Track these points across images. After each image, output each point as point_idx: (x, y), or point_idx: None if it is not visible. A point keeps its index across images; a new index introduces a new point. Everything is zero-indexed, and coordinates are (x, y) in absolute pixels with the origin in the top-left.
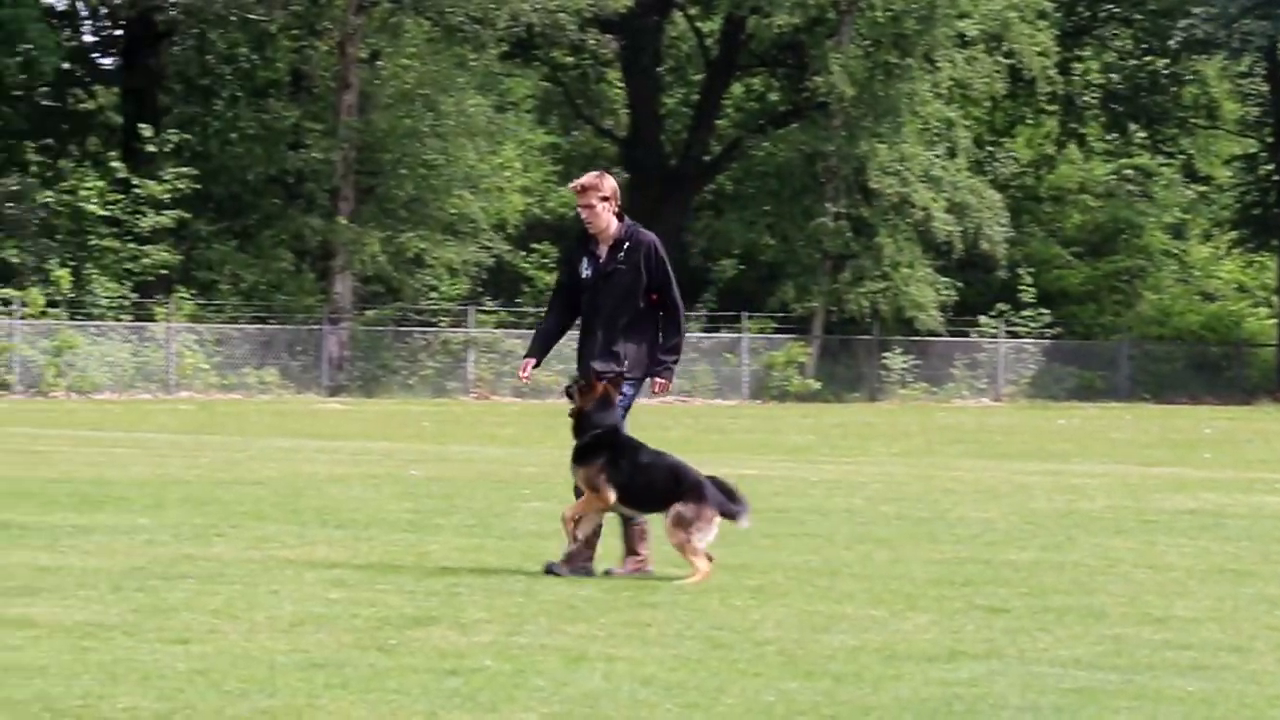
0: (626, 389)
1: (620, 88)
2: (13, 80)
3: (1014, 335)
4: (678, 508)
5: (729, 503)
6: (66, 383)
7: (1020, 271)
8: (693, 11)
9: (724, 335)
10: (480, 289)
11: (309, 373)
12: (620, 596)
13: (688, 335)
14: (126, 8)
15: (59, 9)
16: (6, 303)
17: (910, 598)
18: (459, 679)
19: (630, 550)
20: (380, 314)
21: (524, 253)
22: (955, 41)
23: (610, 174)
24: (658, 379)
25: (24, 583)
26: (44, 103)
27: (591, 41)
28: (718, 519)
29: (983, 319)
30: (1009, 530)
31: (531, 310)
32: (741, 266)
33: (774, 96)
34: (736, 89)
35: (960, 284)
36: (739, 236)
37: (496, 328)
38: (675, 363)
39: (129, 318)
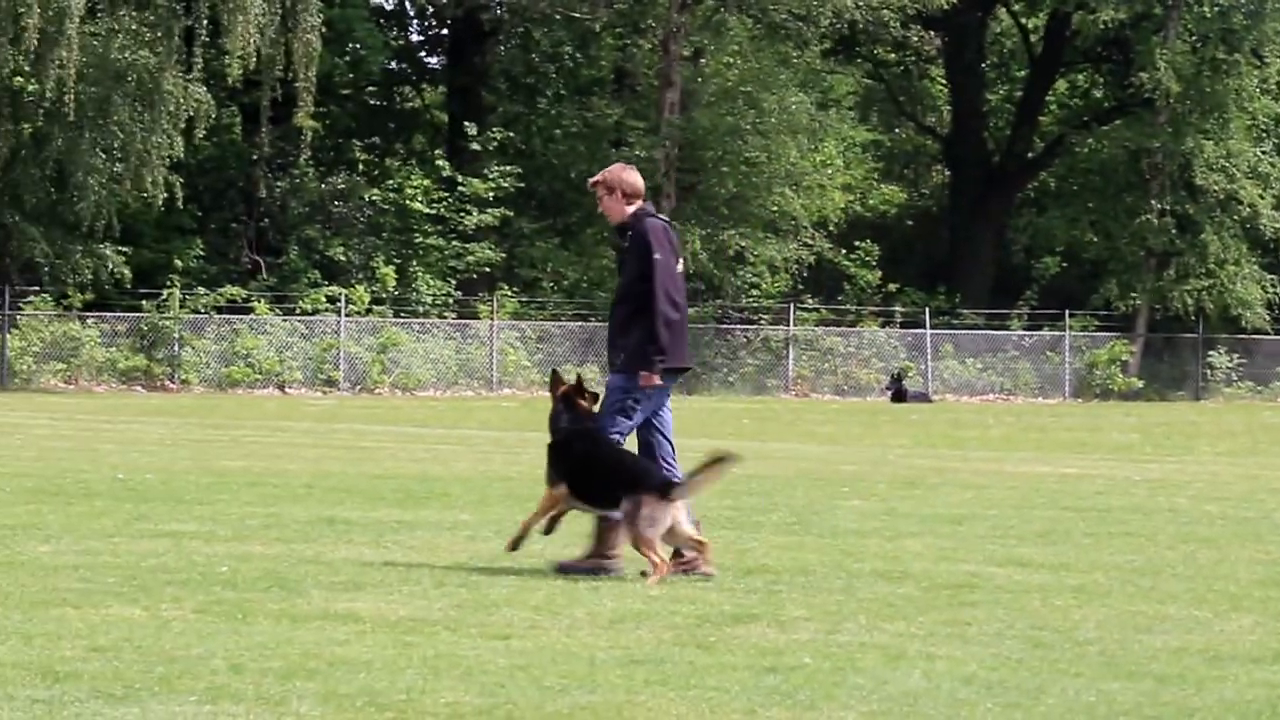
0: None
1: (943, 84)
2: (341, 79)
3: None
4: (624, 504)
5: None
6: (391, 379)
7: None
8: (1017, 7)
9: (1046, 333)
10: (801, 286)
11: None
12: (940, 595)
13: (1009, 333)
14: (452, 7)
15: (387, 9)
16: (333, 300)
17: (1234, 598)
18: (778, 676)
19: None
20: (701, 311)
21: (845, 250)
22: None
23: (633, 167)
24: (641, 371)
25: (350, 578)
26: (371, 101)
27: (914, 38)
28: (672, 507)
29: None
30: None
31: (852, 308)
32: (1064, 264)
33: (1098, 93)
34: (1060, 85)
35: None
36: (1062, 234)
37: (817, 325)
38: (655, 353)
39: (452, 315)
